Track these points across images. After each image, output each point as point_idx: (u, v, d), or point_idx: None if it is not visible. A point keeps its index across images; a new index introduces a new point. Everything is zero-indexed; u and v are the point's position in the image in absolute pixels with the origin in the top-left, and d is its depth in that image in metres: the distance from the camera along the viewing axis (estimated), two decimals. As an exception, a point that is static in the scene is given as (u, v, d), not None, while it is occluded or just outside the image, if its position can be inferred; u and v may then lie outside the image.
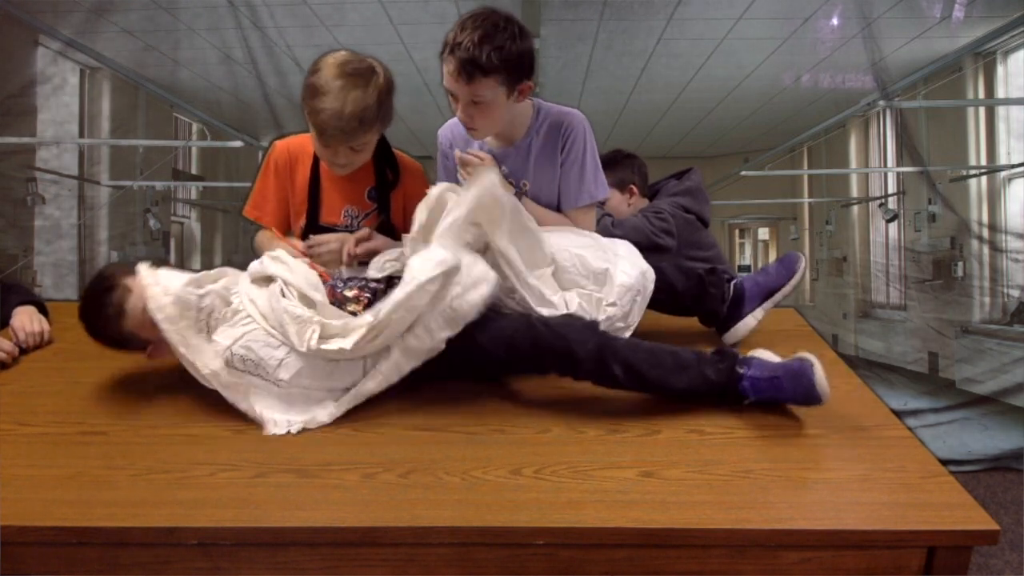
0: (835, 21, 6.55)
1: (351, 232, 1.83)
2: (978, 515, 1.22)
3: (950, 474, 1.31)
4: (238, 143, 8.15)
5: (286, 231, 1.92)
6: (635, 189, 2.42)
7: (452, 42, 1.63)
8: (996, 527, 1.20)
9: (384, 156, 1.88)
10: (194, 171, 10.45)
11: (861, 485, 1.30)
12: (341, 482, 1.30)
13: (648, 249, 2.26)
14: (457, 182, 1.81)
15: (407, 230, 1.67)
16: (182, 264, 10.37)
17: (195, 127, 10.14)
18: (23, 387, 1.64)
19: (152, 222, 8.44)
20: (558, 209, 1.85)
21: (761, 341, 1.78)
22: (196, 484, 1.30)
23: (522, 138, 1.81)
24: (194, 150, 10.23)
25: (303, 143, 1.88)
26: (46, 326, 1.87)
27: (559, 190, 1.81)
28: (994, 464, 4.96)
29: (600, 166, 1.84)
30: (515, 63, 1.65)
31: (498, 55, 1.60)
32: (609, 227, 2.28)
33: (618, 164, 2.44)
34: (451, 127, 1.92)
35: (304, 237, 1.86)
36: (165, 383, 1.62)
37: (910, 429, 1.45)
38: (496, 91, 1.65)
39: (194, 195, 10.60)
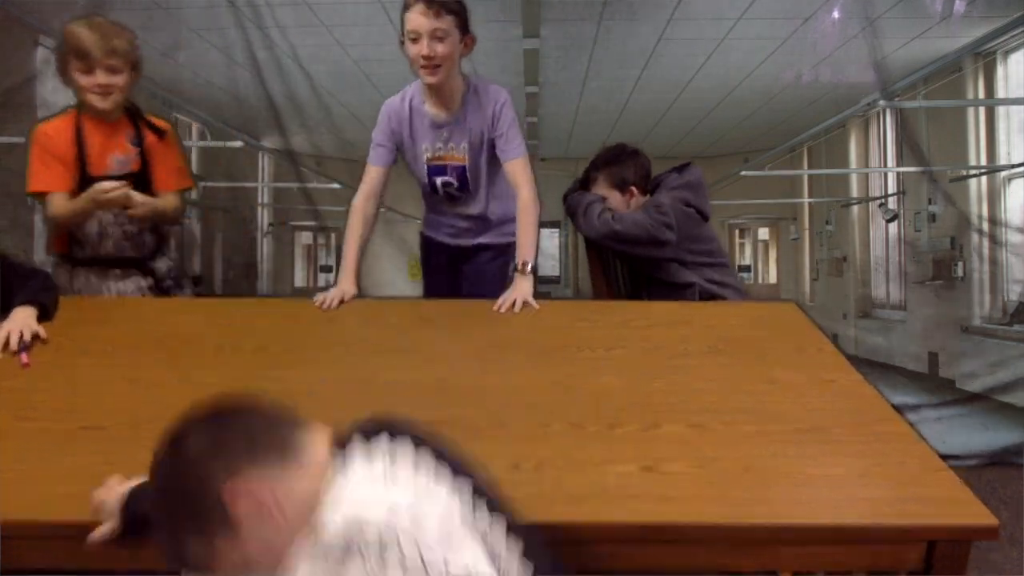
0: (835, 21, 6.55)
1: (125, 178, 2.12)
2: (978, 510, 1.22)
3: (950, 469, 1.31)
4: (238, 143, 8.16)
5: (74, 191, 2.12)
6: (635, 191, 2.41)
7: None
8: (995, 522, 1.20)
9: (135, 113, 2.20)
10: (194, 171, 10.45)
11: (861, 480, 1.30)
12: (341, 477, 1.30)
13: (649, 243, 2.27)
14: (395, 151, 2.25)
15: (164, 183, 2.18)
16: (182, 264, 10.38)
17: (195, 127, 10.14)
18: (23, 383, 1.63)
19: (152, 222, 8.43)
20: (489, 167, 2.27)
21: (760, 335, 1.78)
22: (196, 479, 1.29)
23: (458, 108, 2.20)
24: (194, 150, 10.23)
25: (59, 122, 2.16)
26: (29, 334, 1.75)
27: (499, 148, 2.21)
28: (993, 460, 4.96)
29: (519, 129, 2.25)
30: (465, 13, 2.11)
31: (457, 3, 2.08)
32: (610, 221, 2.28)
33: (620, 163, 2.43)
34: (395, 104, 2.26)
35: (80, 191, 2.10)
36: (165, 379, 1.61)
37: (910, 424, 1.45)
38: (453, 31, 2.07)
39: (194, 195, 10.60)
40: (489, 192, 2.30)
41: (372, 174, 2.24)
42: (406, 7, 2.07)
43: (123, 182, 2.08)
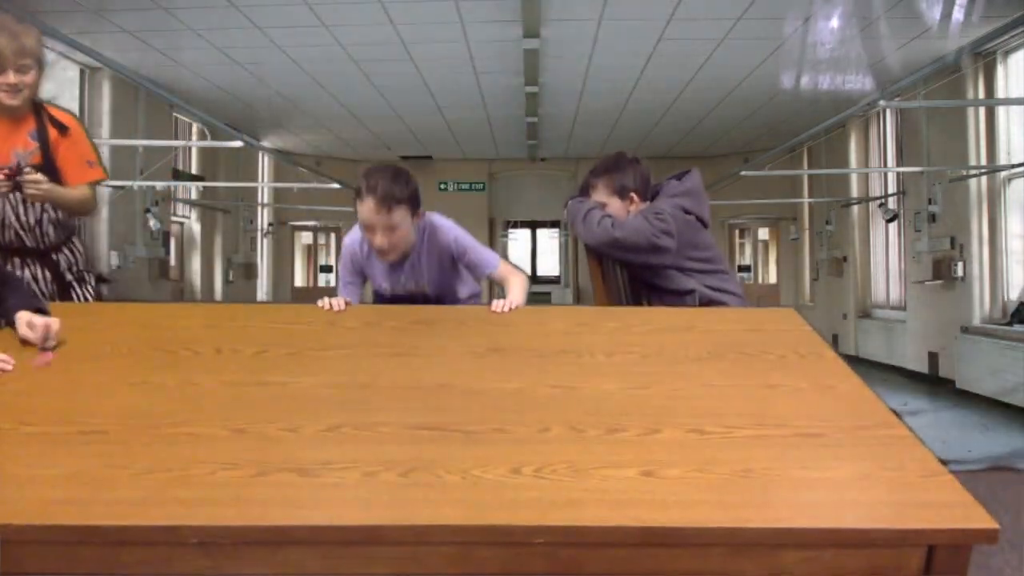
0: (835, 21, 6.55)
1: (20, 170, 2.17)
2: (978, 514, 1.21)
3: (950, 473, 1.31)
4: (238, 143, 8.16)
5: None
6: (635, 197, 2.42)
7: (368, 186, 2.06)
8: (996, 526, 1.19)
9: (39, 108, 2.25)
10: (194, 171, 10.46)
11: (861, 484, 1.30)
12: (341, 481, 1.30)
13: (649, 250, 2.27)
14: (363, 281, 2.33)
15: (72, 175, 2.24)
16: (182, 264, 10.38)
17: (195, 127, 10.14)
18: (24, 386, 1.63)
19: (152, 222, 8.45)
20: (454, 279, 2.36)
21: (759, 340, 1.78)
22: (196, 483, 1.29)
23: (412, 252, 2.25)
24: (194, 150, 10.23)
25: None
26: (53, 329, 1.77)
27: (475, 272, 2.31)
28: (994, 463, 4.96)
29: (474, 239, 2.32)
30: (416, 195, 2.14)
31: (407, 189, 2.10)
32: (609, 228, 2.29)
33: (620, 170, 2.43)
34: (354, 245, 2.30)
35: None
36: (165, 383, 1.62)
37: (910, 428, 1.45)
38: (406, 217, 2.11)
39: (194, 195, 10.60)
40: (454, 292, 2.40)
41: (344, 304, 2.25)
42: (358, 195, 2.08)
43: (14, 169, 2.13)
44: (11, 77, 2.13)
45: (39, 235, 2.26)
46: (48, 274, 2.29)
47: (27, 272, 2.25)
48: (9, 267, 2.21)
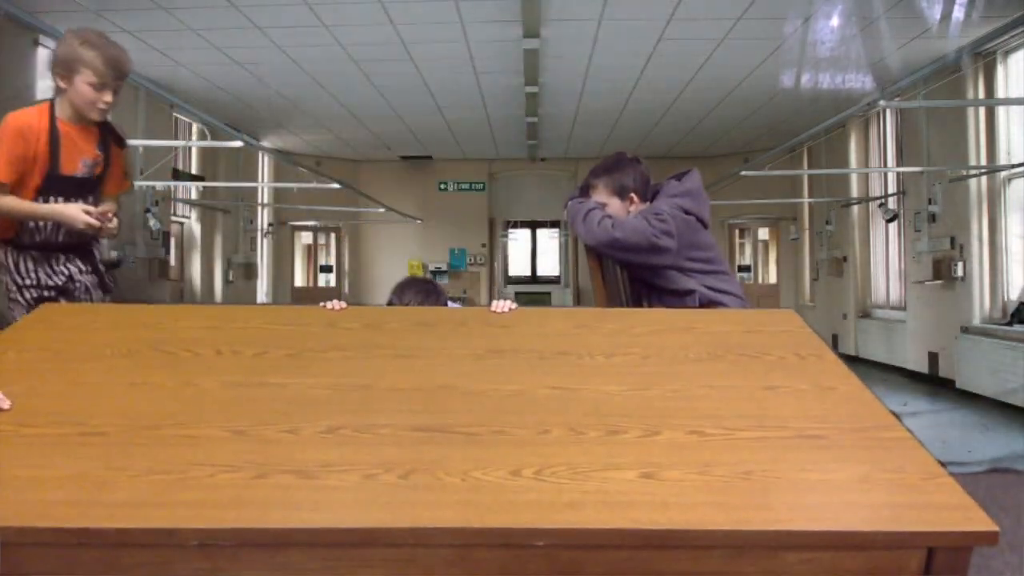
0: (835, 21, 6.55)
1: (90, 180, 2.34)
2: (978, 516, 1.21)
3: (950, 475, 1.31)
4: (238, 143, 8.15)
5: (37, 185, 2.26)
6: (635, 198, 2.41)
7: (403, 303, 2.24)
8: (996, 528, 1.19)
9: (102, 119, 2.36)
10: (194, 171, 10.45)
11: (861, 486, 1.30)
12: (341, 483, 1.30)
13: (649, 250, 2.27)
14: None
15: (113, 186, 2.43)
16: (182, 264, 10.37)
17: (195, 127, 10.14)
18: (23, 388, 1.63)
19: (152, 222, 8.45)
20: None
21: (760, 341, 1.78)
22: (196, 485, 1.29)
23: None
24: (194, 150, 10.23)
25: (37, 113, 2.25)
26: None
27: None
28: (994, 465, 4.96)
29: None
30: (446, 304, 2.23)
31: (438, 304, 2.22)
32: (609, 228, 2.28)
33: (620, 170, 2.43)
34: None
35: (44, 188, 2.25)
36: (165, 384, 1.62)
37: (909, 430, 1.45)
38: None
39: (194, 195, 10.60)
40: None
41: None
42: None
43: (106, 208, 2.30)
44: (108, 96, 2.23)
45: (82, 232, 2.37)
46: (89, 267, 2.44)
47: (72, 268, 2.39)
48: (54, 263, 2.37)
